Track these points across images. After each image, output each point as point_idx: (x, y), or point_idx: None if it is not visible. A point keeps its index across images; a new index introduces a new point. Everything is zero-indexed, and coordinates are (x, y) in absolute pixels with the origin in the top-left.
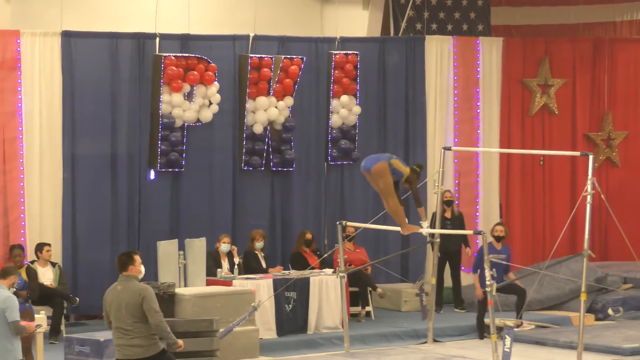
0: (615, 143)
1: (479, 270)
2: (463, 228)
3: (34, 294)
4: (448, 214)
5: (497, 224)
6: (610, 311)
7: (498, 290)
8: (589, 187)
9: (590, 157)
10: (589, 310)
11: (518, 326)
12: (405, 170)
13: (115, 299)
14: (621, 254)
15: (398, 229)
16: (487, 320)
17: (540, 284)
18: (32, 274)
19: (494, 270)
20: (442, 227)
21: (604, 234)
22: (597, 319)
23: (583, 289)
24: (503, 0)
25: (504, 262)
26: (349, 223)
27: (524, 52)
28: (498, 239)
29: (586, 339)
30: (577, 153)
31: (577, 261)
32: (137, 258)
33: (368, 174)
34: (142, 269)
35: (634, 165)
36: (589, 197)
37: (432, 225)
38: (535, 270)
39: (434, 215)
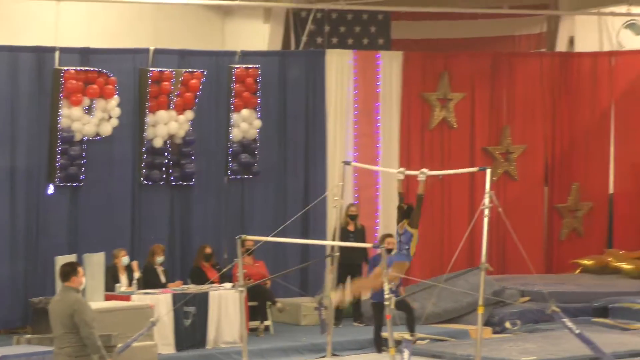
0: (513, 157)
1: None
2: (365, 241)
3: None
4: (351, 227)
5: (388, 236)
6: (507, 324)
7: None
8: (486, 201)
9: (488, 171)
10: (487, 323)
11: (415, 341)
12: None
13: (53, 309)
14: (519, 267)
15: (297, 240)
16: (384, 334)
17: (439, 297)
18: None
19: (392, 283)
20: (345, 240)
21: (502, 247)
22: (494, 332)
23: (480, 302)
24: (403, 15)
25: (398, 275)
26: (248, 237)
27: (424, 66)
28: (388, 251)
29: (484, 352)
30: (475, 169)
31: (474, 274)
32: (80, 270)
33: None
34: (84, 280)
35: (532, 179)
36: (486, 211)
37: (332, 239)
38: (434, 284)
39: (334, 228)
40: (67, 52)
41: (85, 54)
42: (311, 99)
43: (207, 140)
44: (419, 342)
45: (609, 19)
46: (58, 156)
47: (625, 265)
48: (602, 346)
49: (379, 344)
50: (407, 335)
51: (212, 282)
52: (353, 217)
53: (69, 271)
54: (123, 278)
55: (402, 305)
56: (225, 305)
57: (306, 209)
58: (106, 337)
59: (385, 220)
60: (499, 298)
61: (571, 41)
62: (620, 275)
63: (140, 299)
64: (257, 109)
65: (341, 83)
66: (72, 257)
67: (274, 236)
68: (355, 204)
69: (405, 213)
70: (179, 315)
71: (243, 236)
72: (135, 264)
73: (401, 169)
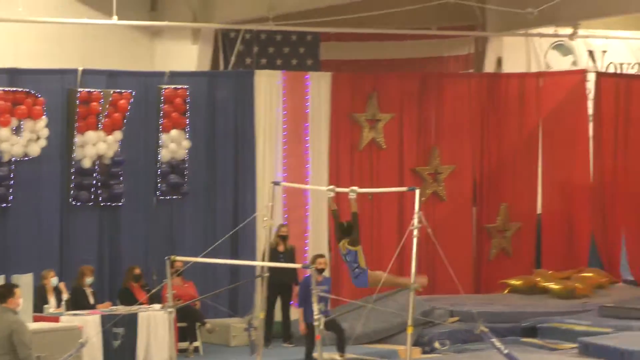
0: (441, 177)
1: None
2: (294, 262)
3: None
4: (281, 248)
5: (319, 257)
6: (436, 344)
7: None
8: (415, 221)
9: (417, 191)
10: (416, 343)
11: None
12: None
13: None
14: (448, 287)
15: (227, 261)
16: (316, 355)
17: (368, 318)
18: None
19: (322, 304)
20: (275, 261)
21: (431, 267)
22: (424, 352)
23: (410, 322)
24: (332, 36)
25: (327, 295)
26: (177, 257)
27: (353, 87)
28: (320, 271)
29: None
30: (405, 189)
31: (404, 294)
32: (17, 291)
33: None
34: (21, 302)
35: (460, 199)
36: (415, 231)
37: (262, 259)
38: (363, 304)
39: (264, 249)
40: None
41: (13, 75)
42: (240, 120)
43: (136, 160)
44: None
45: (536, 40)
46: None
47: (553, 286)
48: None
49: None
50: (336, 356)
51: (141, 303)
52: (284, 238)
53: (5, 292)
54: (51, 299)
55: (332, 325)
56: (155, 326)
57: (235, 229)
58: (35, 358)
59: (315, 240)
60: (428, 318)
61: (499, 62)
62: (549, 295)
63: (69, 320)
64: (186, 129)
65: (270, 103)
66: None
67: (203, 257)
68: (285, 224)
69: (345, 231)
70: (108, 336)
71: (172, 257)
72: (62, 285)
73: (331, 187)
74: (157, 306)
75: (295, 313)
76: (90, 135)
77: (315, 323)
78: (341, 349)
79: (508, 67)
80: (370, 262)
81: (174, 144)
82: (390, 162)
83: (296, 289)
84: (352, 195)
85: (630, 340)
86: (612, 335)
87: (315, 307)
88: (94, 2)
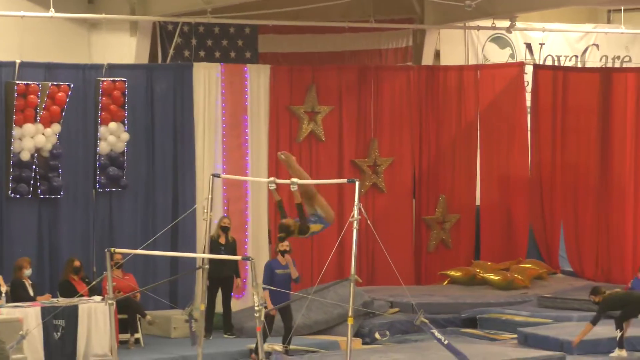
0: (381, 169)
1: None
2: (236, 254)
3: None
4: (222, 240)
5: (282, 241)
6: (377, 335)
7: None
8: (355, 213)
9: (357, 183)
10: (356, 334)
11: (286, 352)
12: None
13: None
14: (388, 278)
15: (167, 253)
16: (267, 346)
17: (309, 309)
18: None
19: (261, 296)
20: (216, 253)
21: (371, 259)
22: (364, 343)
23: (350, 313)
24: (270, 28)
25: (289, 291)
26: (117, 250)
27: (291, 80)
28: (283, 253)
29: None
30: (344, 180)
31: (344, 286)
32: None
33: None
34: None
35: (399, 191)
36: (355, 223)
37: (203, 252)
38: (303, 295)
39: (205, 241)
40: None
41: None
42: (179, 112)
43: (75, 153)
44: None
45: (474, 32)
46: None
47: (492, 277)
48: (470, 356)
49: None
50: (277, 347)
51: (81, 295)
52: (225, 230)
53: None
54: None
55: (285, 313)
56: (95, 318)
57: (175, 221)
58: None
59: (255, 232)
60: (368, 309)
61: (437, 55)
62: (488, 286)
63: (9, 312)
64: (125, 122)
65: (209, 96)
66: None
67: (143, 249)
68: (225, 216)
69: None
70: (49, 328)
71: (112, 249)
72: (0, 278)
73: (272, 179)
74: (97, 298)
75: (236, 305)
76: (29, 127)
77: (255, 314)
78: (286, 340)
79: (446, 60)
80: (311, 254)
81: (113, 137)
82: (330, 154)
83: (237, 281)
84: (294, 187)
85: (569, 331)
86: (551, 326)
87: (256, 299)
88: None
